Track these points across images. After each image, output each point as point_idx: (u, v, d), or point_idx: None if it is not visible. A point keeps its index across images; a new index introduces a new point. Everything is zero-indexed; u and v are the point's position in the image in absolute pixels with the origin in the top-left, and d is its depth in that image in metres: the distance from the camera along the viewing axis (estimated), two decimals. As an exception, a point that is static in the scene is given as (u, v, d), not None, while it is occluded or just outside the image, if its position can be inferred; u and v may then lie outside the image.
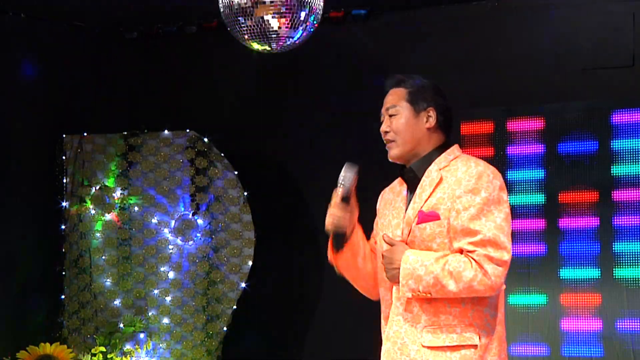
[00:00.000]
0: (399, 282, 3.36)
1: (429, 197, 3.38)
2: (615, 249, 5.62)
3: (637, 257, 5.57)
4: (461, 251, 3.31)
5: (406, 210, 3.45)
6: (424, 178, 3.44)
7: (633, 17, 5.69)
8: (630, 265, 5.58)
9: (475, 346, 3.32)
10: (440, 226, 3.34)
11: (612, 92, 5.78)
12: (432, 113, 3.47)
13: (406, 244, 3.40)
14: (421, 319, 3.35)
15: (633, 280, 5.55)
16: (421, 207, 3.38)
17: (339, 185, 3.48)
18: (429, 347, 3.32)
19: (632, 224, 5.60)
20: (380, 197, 3.66)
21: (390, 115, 3.51)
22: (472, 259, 3.27)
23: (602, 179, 5.67)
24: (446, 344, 3.31)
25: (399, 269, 3.34)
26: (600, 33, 5.78)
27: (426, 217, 3.36)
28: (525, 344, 5.76)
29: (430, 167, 3.44)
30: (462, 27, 6.17)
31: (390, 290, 3.46)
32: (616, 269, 5.61)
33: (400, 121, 3.48)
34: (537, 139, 5.85)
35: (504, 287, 3.38)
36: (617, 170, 5.65)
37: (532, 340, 5.75)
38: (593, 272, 5.67)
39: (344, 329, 6.41)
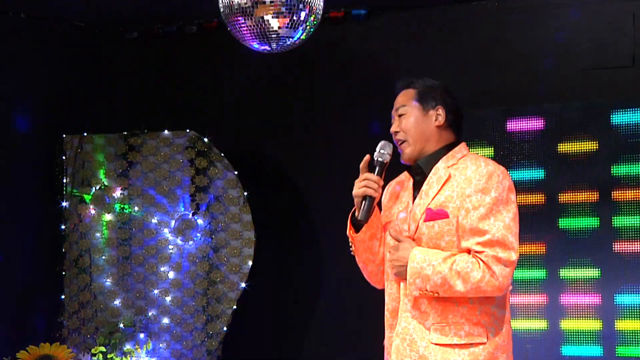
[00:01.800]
0: (406, 279, 3.37)
1: (436, 194, 3.41)
2: (615, 248, 5.62)
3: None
4: (469, 251, 3.33)
5: (413, 205, 3.47)
6: (431, 175, 3.46)
7: (633, 17, 5.69)
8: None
9: (483, 343, 3.35)
10: (449, 224, 3.37)
11: (612, 92, 5.78)
12: (441, 111, 3.53)
13: (413, 240, 3.42)
14: (429, 317, 3.38)
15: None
16: (428, 205, 3.40)
17: (378, 158, 3.51)
18: (437, 344, 3.35)
19: (632, 224, 5.60)
20: (385, 191, 3.64)
21: (400, 115, 3.55)
22: (480, 259, 3.30)
23: (602, 179, 5.67)
24: (454, 342, 3.34)
25: (405, 266, 3.36)
26: (600, 33, 5.78)
27: (434, 215, 3.39)
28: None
29: (437, 164, 3.47)
30: (462, 27, 6.17)
31: (397, 284, 3.47)
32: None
33: (410, 120, 3.52)
34: (537, 139, 5.85)
35: (510, 287, 3.39)
36: (618, 170, 5.65)
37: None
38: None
39: (343, 329, 6.41)
